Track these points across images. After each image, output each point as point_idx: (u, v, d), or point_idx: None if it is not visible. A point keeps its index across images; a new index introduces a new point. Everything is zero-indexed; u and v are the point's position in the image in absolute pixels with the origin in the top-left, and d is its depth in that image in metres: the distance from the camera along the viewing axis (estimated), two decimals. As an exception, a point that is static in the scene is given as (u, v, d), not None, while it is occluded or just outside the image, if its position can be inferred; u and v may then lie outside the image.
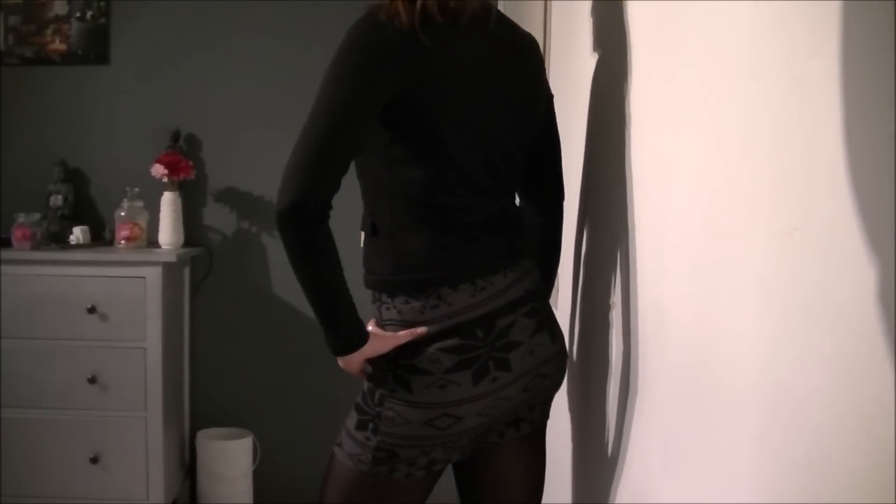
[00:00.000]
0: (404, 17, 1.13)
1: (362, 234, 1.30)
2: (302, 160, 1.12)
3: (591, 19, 1.47)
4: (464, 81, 1.20)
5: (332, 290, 1.17)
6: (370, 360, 1.24)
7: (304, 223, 1.13)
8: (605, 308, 1.33)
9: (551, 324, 1.30)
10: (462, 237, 1.23)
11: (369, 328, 1.24)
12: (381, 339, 1.21)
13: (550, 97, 1.41)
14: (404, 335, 1.20)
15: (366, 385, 1.26)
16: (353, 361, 1.23)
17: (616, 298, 1.27)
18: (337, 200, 1.17)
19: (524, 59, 1.33)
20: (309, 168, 1.12)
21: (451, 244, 1.22)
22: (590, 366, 1.46)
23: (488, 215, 1.26)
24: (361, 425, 1.23)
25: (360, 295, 1.26)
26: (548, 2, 2.01)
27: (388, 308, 1.24)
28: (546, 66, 1.92)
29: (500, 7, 2.73)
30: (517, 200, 1.44)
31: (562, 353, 1.32)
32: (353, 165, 1.25)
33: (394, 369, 1.21)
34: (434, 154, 1.21)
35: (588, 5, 1.49)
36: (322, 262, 1.16)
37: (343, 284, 1.17)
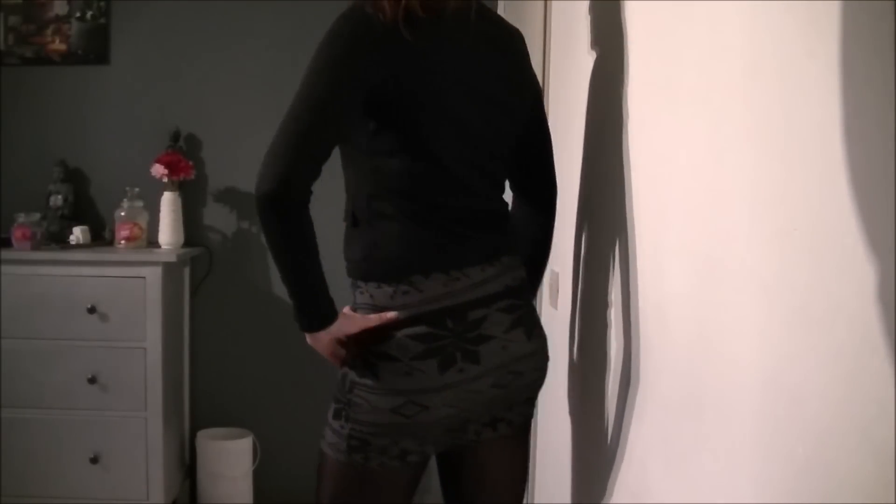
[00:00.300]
0: (388, 11, 1.16)
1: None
2: (283, 147, 1.14)
3: (588, 19, 1.47)
4: (447, 77, 1.22)
5: (306, 271, 1.19)
6: (343, 345, 1.26)
7: (285, 208, 1.14)
8: (605, 308, 1.33)
9: (530, 322, 1.30)
10: (440, 229, 1.24)
11: (344, 311, 1.25)
12: (349, 319, 1.24)
13: (539, 92, 1.42)
14: (373, 318, 1.22)
15: (339, 373, 1.28)
16: (321, 340, 1.24)
17: (616, 298, 1.27)
18: (328, 192, 1.18)
19: (510, 55, 1.34)
20: (290, 155, 1.14)
21: (428, 235, 1.24)
22: (590, 365, 1.46)
23: (469, 210, 1.27)
24: (336, 414, 1.26)
25: (341, 282, 1.28)
26: (548, 2, 2.01)
27: (361, 292, 1.26)
28: (546, 65, 1.92)
29: (501, 7, 2.73)
30: (507, 196, 1.44)
31: (540, 353, 1.32)
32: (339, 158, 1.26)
33: (363, 355, 1.23)
34: (416, 147, 1.23)
35: (586, 5, 1.49)
36: (299, 246, 1.17)
37: (318, 265, 1.19)
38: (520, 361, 1.27)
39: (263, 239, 1.19)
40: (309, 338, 1.25)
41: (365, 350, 1.23)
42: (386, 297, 1.22)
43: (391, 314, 1.21)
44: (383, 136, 1.22)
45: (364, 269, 1.26)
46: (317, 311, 1.22)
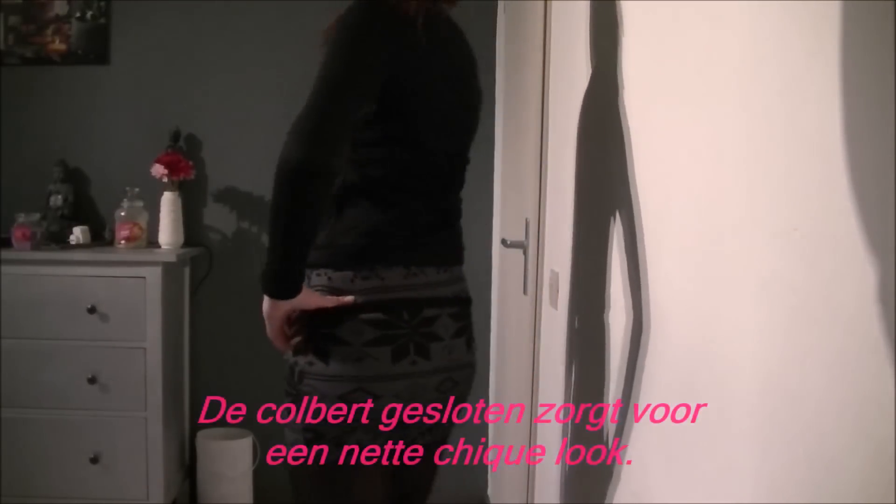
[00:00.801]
0: (413, 8, 1.20)
1: None
2: (319, 119, 1.12)
3: (587, 20, 1.47)
4: (439, 75, 1.27)
5: (304, 242, 1.17)
6: (296, 329, 1.25)
7: (312, 179, 1.12)
8: (604, 308, 1.33)
9: (470, 336, 1.36)
10: (408, 225, 1.27)
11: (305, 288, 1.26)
12: (310, 294, 1.23)
13: (482, 98, 1.48)
14: (332, 300, 1.22)
15: (287, 365, 1.27)
16: (279, 309, 1.21)
17: (615, 298, 1.27)
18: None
19: (472, 62, 1.41)
20: (326, 127, 1.12)
21: (396, 231, 1.26)
22: (589, 365, 1.46)
23: (440, 209, 1.31)
24: (287, 410, 1.26)
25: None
26: (548, 2, 2.00)
27: (318, 275, 1.26)
28: (546, 65, 1.92)
29: (501, 7, 2.72)
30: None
31: (471, 369, 1.37)
32: None
33: (315, 339, 1.23)
34: (406, 138, 1.26)
35: (586, 5, 1.49)
36: (311, 218, 1.15)
37: (313, 240, 1.18)
38: (461, 370, 1.32)
39: (272, 204, 1.14)
40: (269, 305, 1.22)
41: (315, 334, 1.23)
42: (345, 281, 1.23)
43: (349, 298, 1.22)
44: (374, 126, 1.24)
45: (327, 255, 1.26)
46: (289, 280, 1.19)
